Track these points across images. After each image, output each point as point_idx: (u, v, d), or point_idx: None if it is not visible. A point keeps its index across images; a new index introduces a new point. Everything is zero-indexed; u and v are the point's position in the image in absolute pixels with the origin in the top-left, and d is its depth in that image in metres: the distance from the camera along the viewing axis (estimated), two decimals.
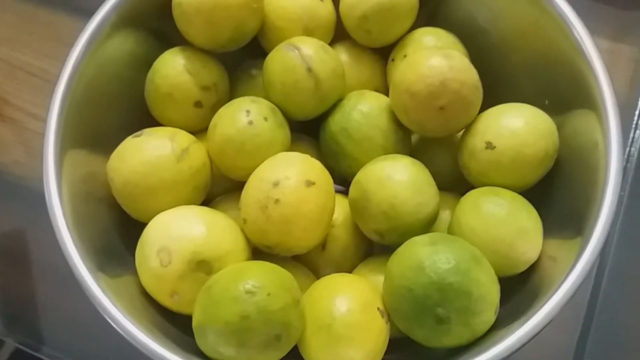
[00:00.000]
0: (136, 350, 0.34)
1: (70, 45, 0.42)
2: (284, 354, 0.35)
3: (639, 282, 0.49)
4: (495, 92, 0.43)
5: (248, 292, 0.33)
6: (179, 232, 0.37)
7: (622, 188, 0.50)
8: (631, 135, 0.53)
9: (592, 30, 0.57)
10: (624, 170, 0.52)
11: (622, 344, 0.47)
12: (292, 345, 0.35)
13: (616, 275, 0.49)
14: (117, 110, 0.44)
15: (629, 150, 0.52)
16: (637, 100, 0.54)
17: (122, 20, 0.43)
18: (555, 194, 0.40)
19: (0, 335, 0.53)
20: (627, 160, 0.52)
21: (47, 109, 0.57)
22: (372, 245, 0.44)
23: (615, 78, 0.55)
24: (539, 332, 0.32)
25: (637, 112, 0.54)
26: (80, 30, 0.42)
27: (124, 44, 0.44)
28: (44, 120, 0.58)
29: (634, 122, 0.53)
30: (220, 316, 0.33)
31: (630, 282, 0.49)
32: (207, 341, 0.34)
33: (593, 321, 0.48)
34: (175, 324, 0.38)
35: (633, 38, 0.57)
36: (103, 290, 0.35)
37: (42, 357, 0.51)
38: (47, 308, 0.52)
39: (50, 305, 0.52)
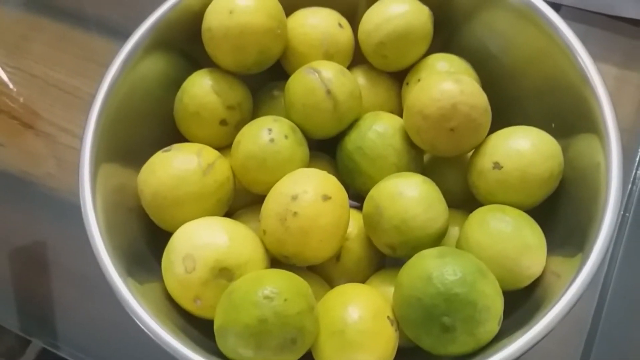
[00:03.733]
0: (156, 353, 0.36)
1: (102, 64, 0.44)
2: (298, 356, 0.36)
3: None
4: (504, 115, 0.45)
5: (266, 297, 0.35)
6: (204, 241, 0.39)
7: (627, 209, 0.52)
8: (637, 158, 0.54)
9: (602, 58, 0.59)
10: (630, 192, 0.53)
11: (623, 358, 0.49)
12: (307, 348, 0.37)
13: (619, 293, 0.50)
14: (148, 126, 0.47)
15: (635, 173, 0.54)
16: None
17: (155, 43, 0.46)
18: (560, 213, 0.42)
19: (27, 336, 0.55)
20: (633, 183, 0.54)
21: (79, 124, 0.61)
22: (384, 259, 0.46)
23: (623, 103, 0.57)
24: (538, 342, 0.34)
25: None
26: (112, 51, 0.45)
27: (155, 65, 0.47)
28: (76, 135, 0.61)
29: None
30: (240, 319, 0.35)
31: (633, 300, 0.50)
32: (227, 343, 0.36)
33: (596, 336, 0.49)
34: (197, 328, 0.40)
35: None
36: (132, 294, 0.37)
37: (66, 357, 0.53)
38: (73, 312, 0.55)
39: (76, 309, 0.55)
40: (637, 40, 0.60)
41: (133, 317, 0.37)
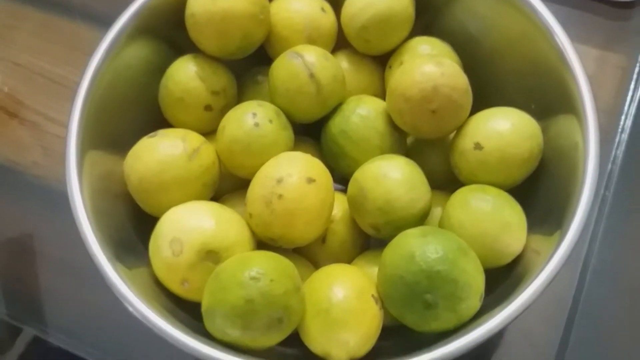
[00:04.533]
0: (146, 336, 0.37)
1: (88, 53, 0.44)
2: (285, 336, 0.37)
3: (621, 277, 0.51)
4: (485, 97, 0.46)
5: (253, 278, 0.36)
6: (190, 224, 0.40)
7: (607, 188, 0.54)
8: (617, 138, 0.55)
9: (583, 40, 0.60)
10: (610, 171, 0.54)
11: (603, 335, 0.50)
12: (293, 328, 0.38)
13: (600, 271, 0.51)
14: (133, 113, 0.47)
15: (615, 153, 0.55)
16: (623, 105, 0.57)
17: (138, 30, 0.46)
18: (540, 192, 0.43)
19: (18, 323, 0.55)
20: (613, 162, 0.55)
21: (65, 113, 0.60)
22: (369, 240, 0.47)
23: (603, 84, 0.58)
24: (517, 316, 0.35)
25: (622, 117, 0.56)
26: (97, 39, 0.45)
27: (139, 52, 0.47)
28: (62, 123, 0.61)
29: (620, 126, 0.56)
30: (227, 300, 0.36)
31: (613, 278, 0.51)
32: (214, 323, 0.37)
33: (577, 314, 0.50)
34: (185, 310, 0.41)
35: (620, 47, 0.60)
36: (121, 279, 0.38)
37: (57, 344, 0.54)
38: (62, 299, 0.55)
39: (65, 296, 0.55)
40: (617, 21, 0.61)
41: (122, 301, 0.38)
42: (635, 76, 0.58)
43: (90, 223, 0.40)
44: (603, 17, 0.61)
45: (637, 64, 0.59)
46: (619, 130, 0.56)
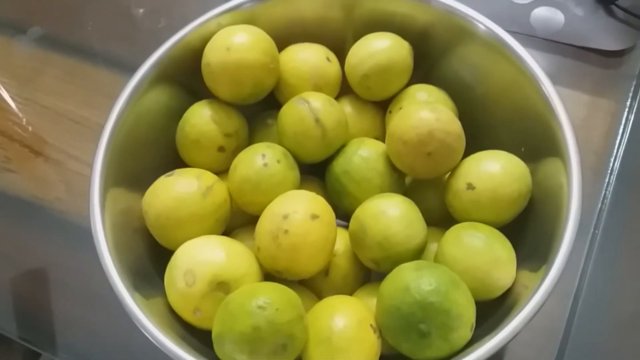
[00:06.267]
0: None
1: (109, 96, 0.48)
2: None
3: (610, 310, 0.53)
4: (479, 141, 0.49)
5: (260, 307, 0.39)
6: (203, 257, 0.43)
7: (597, 227, 0.56)
8: (606, 179, 0.58)
9: (575, 86, 0.64)
10: (599, 210, 0.57)
11: None
12: (297, 354, 0.40)
13: (590, 304, 0.53)
14: (152, 153, 0.50)
15: (604, 193, 0.58)
16: (613, 148, 0.60)
17: (159, 77, 0.50)
18: (529, 230, 0.46)
19: (38, 349, 0.58)
20: (602, 202, 0.57)
21: (87, 152, 0.64)
22: (370, 273, 0.49)
23: (595, 128, 0.62)
24: (504, 345, 0.37)
25: (612, 159, 0.59)
26: (118, 83, 0.48)
27: (159, 97, 0.51)
28: (84, 162, 0.65)
29: (609, 168, 0.59)
30: (235, 327, 0.39)
31: (602, 311, 0.53)
32: (224, 349, 0.39)
33: (567, 346, 0.52)
34: (197, 337, 0.43)
35: (610, 93, 0.63)
36: (138, 307, 0.41)
37: None
38: (78, 326, 0.57)
39: (80, 323, 0.57)
40: (608, 69, 0.64)
41: (140, 328, 0.40)
42: (624, 121, 0.61)
43: (111, 255, 0.43)
44: (594, 65, 0.64)
45: (626, 109, 0.62)
46: (609, 171, 0.59)
